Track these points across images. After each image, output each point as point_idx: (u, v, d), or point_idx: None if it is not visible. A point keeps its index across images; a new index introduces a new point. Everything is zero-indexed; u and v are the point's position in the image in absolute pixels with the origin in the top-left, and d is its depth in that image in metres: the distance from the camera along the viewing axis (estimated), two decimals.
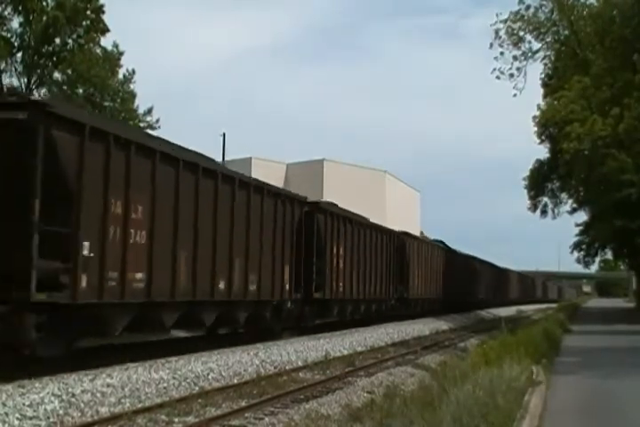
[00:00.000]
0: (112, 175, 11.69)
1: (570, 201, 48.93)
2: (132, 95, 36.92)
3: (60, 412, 9.21)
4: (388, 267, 28.86)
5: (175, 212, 13.45)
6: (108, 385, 10.67)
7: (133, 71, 36.77)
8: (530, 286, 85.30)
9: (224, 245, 15.26)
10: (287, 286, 19.00)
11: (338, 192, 51.87)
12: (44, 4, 32.42)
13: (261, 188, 17.53)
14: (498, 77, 34.53)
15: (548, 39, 35.99)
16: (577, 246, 64.71)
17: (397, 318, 29.88)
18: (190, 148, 14.85)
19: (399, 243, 30.96)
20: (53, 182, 10.55)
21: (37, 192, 10.31)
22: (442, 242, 43.48)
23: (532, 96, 54.03)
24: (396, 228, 33.31)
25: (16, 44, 33.13)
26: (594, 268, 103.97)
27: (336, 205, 23.43)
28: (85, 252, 11.10)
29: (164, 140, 14.30)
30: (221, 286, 15.23)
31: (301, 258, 19.92)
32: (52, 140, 10.61)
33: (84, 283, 11.07)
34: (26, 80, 33.00)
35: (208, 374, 12.79)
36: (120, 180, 11.91)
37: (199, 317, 15.05)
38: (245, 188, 16.51)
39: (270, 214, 17.86)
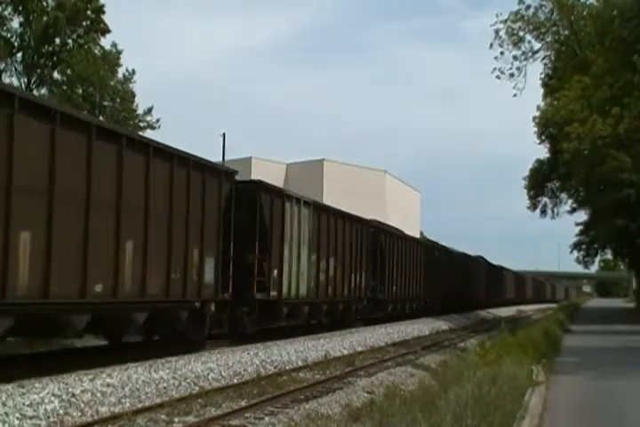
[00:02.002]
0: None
1: (570, 201, 49.00)
2: (132, 95, 36.96)
3: (60, 412, 9.21)
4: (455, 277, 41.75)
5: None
6: (108, 385, 10.66)
7: (133, 71, 36.85)
8: (541, 287, 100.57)
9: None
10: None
11: (338, 192, 51.92)
12: (44, 4, 32.44)
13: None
14: (498, 77, 34.52)
15: (548, 39, 35.97)
16: (577, 246, 64.80)
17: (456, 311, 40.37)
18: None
19: (462, 262, 44.85)
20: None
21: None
22: (482, 257, 53.64)
23: (533, 96, 54.18)
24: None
25: (16, 44, 33.15)
26: (594, 268, 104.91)
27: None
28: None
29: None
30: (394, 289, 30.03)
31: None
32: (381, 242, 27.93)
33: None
34: (26, 80, 33.03)
35: (208, 374, 12.78)
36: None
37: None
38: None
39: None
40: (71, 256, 11.31)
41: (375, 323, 26.57)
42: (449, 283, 39.63)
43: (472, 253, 50.87)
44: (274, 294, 18.19)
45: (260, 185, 18.16)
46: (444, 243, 44.81)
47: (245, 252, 16.77)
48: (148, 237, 13.08)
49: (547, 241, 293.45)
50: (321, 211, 21.84)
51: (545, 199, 48.56)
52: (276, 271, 18.25)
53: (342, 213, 23.92)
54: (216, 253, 15.32)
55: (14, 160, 10.15)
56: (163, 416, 9.53)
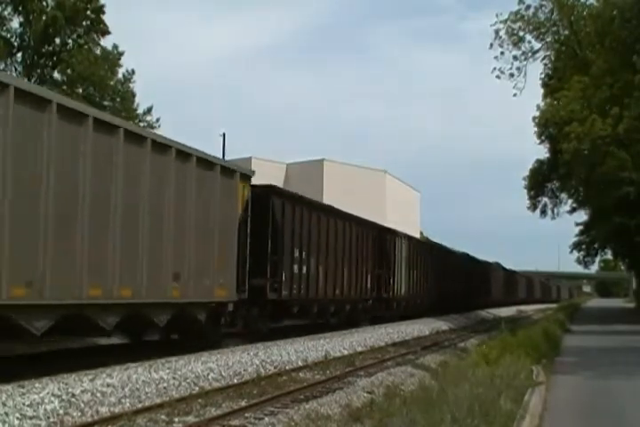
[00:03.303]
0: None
1: (570, 201, 48.96)
2: (132, 95, 36.96)
3: (60, 412, 9.20)
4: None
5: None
6: (108, 385, 10.66)
7: (133, 71, 36.85)
8: (547, 288, 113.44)
9: None
10: None
11: (338, 192, 51.87)
12: (44, 4, 32.43)
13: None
14: (498, 77, 34.56)
15: (548, 39, 35.97)
16: (577, 246, 64.80)
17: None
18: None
19: (486, 268, 54.90)
20: None
21: None
22: (499, 263, 61.84)
23: (533, 96, 54.15)
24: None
25: (16, 44, 33.14)
26: (594, 268, 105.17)
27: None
28: None
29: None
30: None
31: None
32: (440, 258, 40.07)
33: None
34: (26, 80, 32.99)
35: (208, 374, 12.77)
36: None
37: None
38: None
39: None
40: (331, 278, 23.02)
41: (427, 316, 34.38)
42: (477, 284, 49.53)
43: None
44: (391, 293, 29.67)
45: (389, 229, 30.62)
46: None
47: (379, 269, 28.33)
48: (351, 267, 24.91)
49: (547, 241, 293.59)
50: (411, 240, 34.06)
51: (545, 199, 48.50)
52: (392, 280, 29.84)
53: (422, 241, 38.29)
54: (372, 271, 27.34)
55: (320, 236, 22.16)
56: (163, 416, 9.53)
